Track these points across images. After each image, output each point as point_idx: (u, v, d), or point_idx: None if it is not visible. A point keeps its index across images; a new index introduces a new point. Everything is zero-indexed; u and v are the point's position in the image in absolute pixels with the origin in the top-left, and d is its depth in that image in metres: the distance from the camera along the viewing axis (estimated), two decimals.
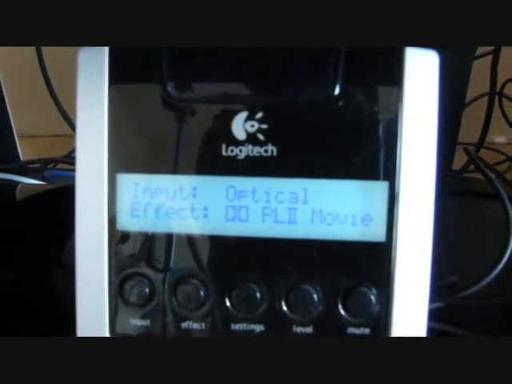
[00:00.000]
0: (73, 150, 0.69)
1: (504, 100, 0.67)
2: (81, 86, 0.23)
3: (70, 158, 0.68)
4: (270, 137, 0.23)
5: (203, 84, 0.23)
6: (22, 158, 0.70)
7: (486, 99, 0.63)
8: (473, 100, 0.68)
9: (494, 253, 0.36)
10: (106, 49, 0.23)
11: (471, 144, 0.58)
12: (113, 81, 0.23)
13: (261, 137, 0.23)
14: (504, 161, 0.68)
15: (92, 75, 0.23)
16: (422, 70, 0.22)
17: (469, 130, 0.57)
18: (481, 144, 0.63)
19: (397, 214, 0.23)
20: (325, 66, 0.22)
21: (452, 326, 0.32)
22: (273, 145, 0.23)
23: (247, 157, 0.23)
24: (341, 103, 0.22)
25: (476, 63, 0.56)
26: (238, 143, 0.23)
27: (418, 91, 0.22)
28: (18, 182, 0.56)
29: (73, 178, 0.62)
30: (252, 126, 0.23)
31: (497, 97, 0.63)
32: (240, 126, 0.23)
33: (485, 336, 0.31)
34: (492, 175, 0.45)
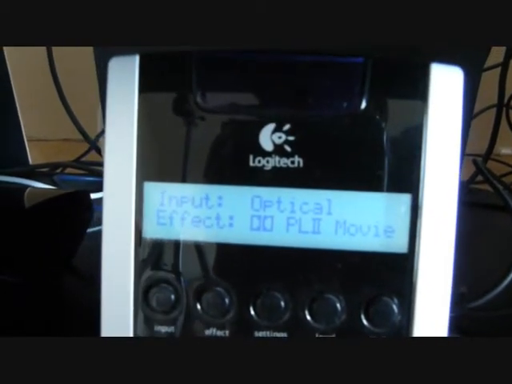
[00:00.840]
0: (82, 155, 0.69)
1: (511, 112, 0.68)
2: (111, 93, 0.24)
3: (78, 163, 0.68)
4: (297, 148, 0.23)
5: (232, 95, 0.24)
6: (30, 162, 0.70)
7: (492, 111, 0.63)
8: (480, 112, 0.69)
9: (502, 264, 0.36)
10: (137, 57, 0.23)
11: (478, 155, 0.59)
12: (143, 89, 0.23)
13: (288, 148, 0.23)
14: (510, 172, 0.69)
15: (122, 83, 0.23)
16: (446, 84, 0.23)
17: (475, 142, 0.57)
18: (488, 155, 0.63)
19: (419, 226, 0.23)
20: (351, 80, 0.23)
21: (461, 337, 0.32)
22: (299, 156, 0.23)
23: (274, 168, 0.23)
24: (366, 117, 0.23)
25: (484, 75, 0.57)
26: (265, 154, 0.23)
27: (443, 106, 0.23)
28: (27, 186, 0.56)
29: (82, 183, 0.62)
30: (279, 137, 0.23)
31: (504, 109, 0.64)
32: (267, 138, 0.23)
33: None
34: (500, 186, 0.46)
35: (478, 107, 0.63)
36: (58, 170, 0.67)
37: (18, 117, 0.67)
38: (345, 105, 0.23)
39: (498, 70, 0.59)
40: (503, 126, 0.64)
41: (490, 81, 0.57)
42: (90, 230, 0.43)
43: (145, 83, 0.23)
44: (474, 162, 0.52)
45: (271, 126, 0.23)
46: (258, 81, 0.23)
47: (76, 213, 0.44)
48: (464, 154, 0.53)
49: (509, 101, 0.66)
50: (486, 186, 0.55)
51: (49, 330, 0.34)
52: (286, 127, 0.23)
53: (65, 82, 0.66)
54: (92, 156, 0.68)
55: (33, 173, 0.63)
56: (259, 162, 0.23)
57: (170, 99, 0.23)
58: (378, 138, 0.23)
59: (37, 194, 0.46)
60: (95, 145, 0.66)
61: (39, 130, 0.85)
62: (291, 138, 0.23)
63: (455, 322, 0.30)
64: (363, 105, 0.23)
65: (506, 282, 0.35)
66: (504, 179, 0.61)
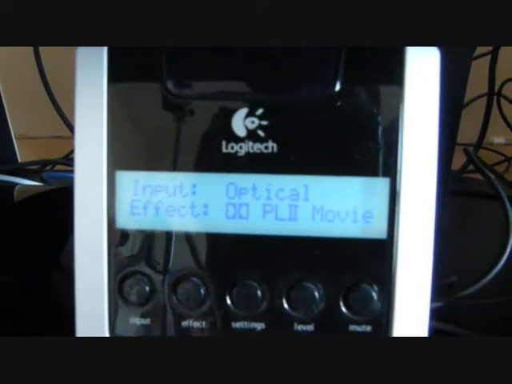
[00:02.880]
0: (71, 152, 0.69)
1: (502, 100, 0.67)
2: (79, 82, 0.23)
3: (68, 160, 0.67)
4: (271, 133, 0.22)
5: (203, 81, 0.23)
6: (19, 160, 0.70)
7: (483, 100, 0.63)
8: (471, 100, 0.69)
9: (492, 253, 0.36)
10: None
11: (469, 145, 0.58)
12: (112, 77, 0.23)
13: (261, 133, 0.22)
14: (503, 161, 0.68)
15: (91, 71, 0.23)
16: (422, 66, 0.22)
17: (467, 131, 0.57)
18: (480, 144, 0.63)
19: (398, 211, 0.22)
20: (325, 63, 0.22)
21: (450, 326, 0.32)
22: (273, 141, 0.22)
23: (247, 153, 0.23)
24: (341, 100, 0.22)
25: (474, 63, 0.56)
26: (238, 140, 0.23)
27: (419, 88, 0.22)
28: (16, 184, 0.55)
29: (71, 180, 0.62)
30: (252, 122, 0.22)
31: (495, 97, 0.63)
32: (240, 123, 0.22)
33: (484, 335, 0.31)
34: (491, 175, 0.46)
35: (468, 96, 0.63)
36: (48, 168, 0.67)
37: (5, 115, 0.67)
38: (319, 88, 0.22)
39: (488, 57, 0.59)
40: (495, 115, 0.64)
41: (480, 69, 0.57)
42: None
43: (114, 71, 0.23)
44: (465, 151, 0.52)
45: (244, 111, 0.23)
46: (230, 65, 0.23)
47: (63, 209, 0.43)
48: (455, 143, 0.53)
49: (500, 89, 0.65)
50: (478, 175, 0.55)
51: (34, 327, 0.33)
52: (259, 112, 0.22)
53: (52, 79, 0.65)
54: None
55: (22, 170, 0.63)
56: (232, 148, 0.23)
57: (141, 86, 0.23)
58: (353, 121, 0.22)
59: (26, 191, 0.46)
60: None
61: (28, 127, 0.84)
62: (264, 123, 0.22)
63: (444, 311, 0.30)
64: (337, 87, 0.22)
65: (495, 271, 0.35)
66: (496, 168, 0.61)
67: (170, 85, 0.23)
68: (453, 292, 0.35)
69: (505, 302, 0.35)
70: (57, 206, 0.42)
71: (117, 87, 0.23)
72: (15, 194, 0.44)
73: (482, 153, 0.61)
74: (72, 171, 0.63)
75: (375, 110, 0.22)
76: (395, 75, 0.22)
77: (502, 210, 0.40)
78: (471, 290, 0.35)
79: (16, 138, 0.69)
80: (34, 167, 0.66)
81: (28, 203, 0.40)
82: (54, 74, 0.65)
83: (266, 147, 0.22)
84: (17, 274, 0.38)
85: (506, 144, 0.85)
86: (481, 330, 0.32)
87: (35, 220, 0.40)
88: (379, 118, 0.22)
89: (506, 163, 0.68)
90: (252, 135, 0.22)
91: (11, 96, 0.67)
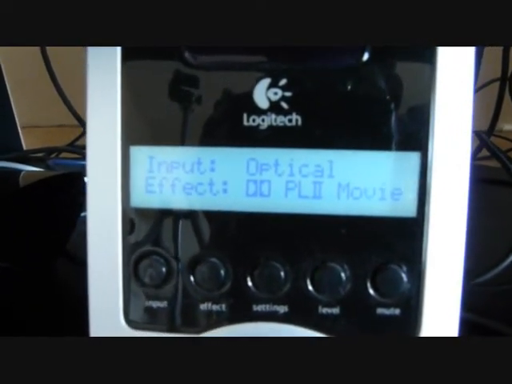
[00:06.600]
0: (76, 139, 0.69)
1: None
2: (92, 55, 0.22)
3: (73, 147, 0.67)
4: (295, 105, 0.21)
5: (222, 50, 0.22)
6: (24, 148, 0.69)
7: (495, 85, 0.62)
8: (483, 86, 0.68)
9: (507, 239, 0.36)
10: None
11: (480, 132, 0.58)
12: (127, 48, 0.22)
13: (284, 105, 0.21)
14: None
15: None
16: None
17: (477, 117, 0.56)
18: (491, 131, 0.62)
19: (429, 188, 0.21)
20: None
21: (466, 313, 0.31)
22: (297, 114, 0.21)
23: (270, 127, 0.21)
24: (369, 71, 0.21)
25: (487, 48, 0.55)
26: (260, 112, 0.21)
27: (453, 58, 0.21)
28: (22, 171, 0.55)
29: (76, 167, 0.61)
30: (275, 93, 0.21)
31: (507, 83, 0.63)
32: (262, 94, 0.21)
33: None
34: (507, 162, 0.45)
35: (480, 81, 0.62)
36: (53, 155, 0.66)
37: (10, 103, 0.67)
38: (345, 58, 0.21)
39: None
40: (506, 101, 0.63)
41: (492, 53, 0.56)
42: (84, 213, 0.42)
43: None
44: (479, 136, 0.51)
45: (266, 82, 0.21)
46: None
47: (69, 195, 0.42)
48: None
49: (511, 75, 0.64)
50: (488, 162, 0.54)
51: (40, 317, 0.33)
52: (283, 82, 0.21)
53: (57, 68, 0.65)
54: None
55: (27, 158, 0.63)
56: (254, 120, 0.22)
57: (157, 57, 0.22)
58: (381, 93, 0.21)
59: (31, 177, 0.45)
60: None
61: (33, 116, 0.84)
62: (288, 94, 0.21)
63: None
64: (365, 57, 0.21)
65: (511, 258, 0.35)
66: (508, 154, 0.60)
67: (187, 55, 0.22)
68: (468, 279, 0.34)
69: None
70: (63, 191, 0.42)
71: (131, 58, 0.22)
72: (20, 179, 0.43)
73: (492, 140, 0.61)
74: (78, 159, 0.62)
75: (405, 81, 0.21)
76: None
77: None
78: (487, 276, 0.35)
79: (21, 127, 0.68)
80: (40, 155, 0.66)
81: (34, 188, 0.39)
82: (59, 63, 0.65)
83: (290, 120, 0.21)
84: (22, 261, 0.37)
85: None
86: (496, 316, 0.32)
87: (42, 206, 0.39)
88: (409, 90, 0.21)
89: None
90: (275, 107, 0.21)
91: (16, 85, 0.67)
